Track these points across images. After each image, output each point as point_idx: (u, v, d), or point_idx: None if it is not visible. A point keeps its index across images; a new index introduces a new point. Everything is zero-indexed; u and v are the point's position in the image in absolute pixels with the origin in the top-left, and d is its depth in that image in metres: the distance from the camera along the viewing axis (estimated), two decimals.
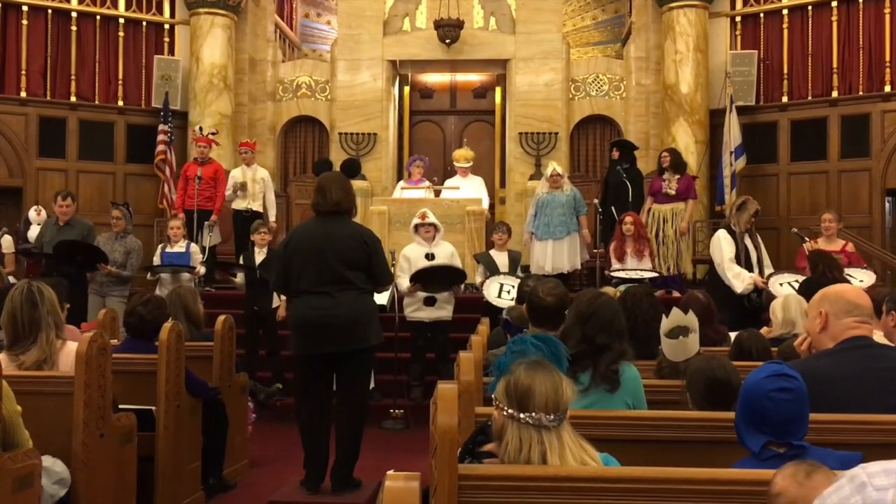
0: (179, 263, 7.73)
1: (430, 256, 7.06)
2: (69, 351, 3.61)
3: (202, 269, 7.95)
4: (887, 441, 2.52)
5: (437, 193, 9.54)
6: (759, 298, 6.68)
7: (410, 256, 7.09)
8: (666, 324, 3.46)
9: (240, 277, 7.65)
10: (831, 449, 2.27)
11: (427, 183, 9.70)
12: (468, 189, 9.66)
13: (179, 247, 7.87)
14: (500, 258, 7.49)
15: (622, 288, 6.51)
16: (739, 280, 6.63)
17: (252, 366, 7.19)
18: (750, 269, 6.77)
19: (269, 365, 7.36)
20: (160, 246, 8.15)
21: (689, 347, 3.38)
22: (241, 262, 7.73)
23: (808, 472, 1.75)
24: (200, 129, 9.87)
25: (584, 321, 3.13)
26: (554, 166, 8.89)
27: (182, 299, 5.17)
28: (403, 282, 6.97)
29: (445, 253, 7.15)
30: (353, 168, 4.34)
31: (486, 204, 9.76)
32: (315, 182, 4.96)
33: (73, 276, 7.11)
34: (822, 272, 6.01)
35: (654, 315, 3.95)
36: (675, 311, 3.48)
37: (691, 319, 3.44)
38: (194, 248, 7.98)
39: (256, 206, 9.16)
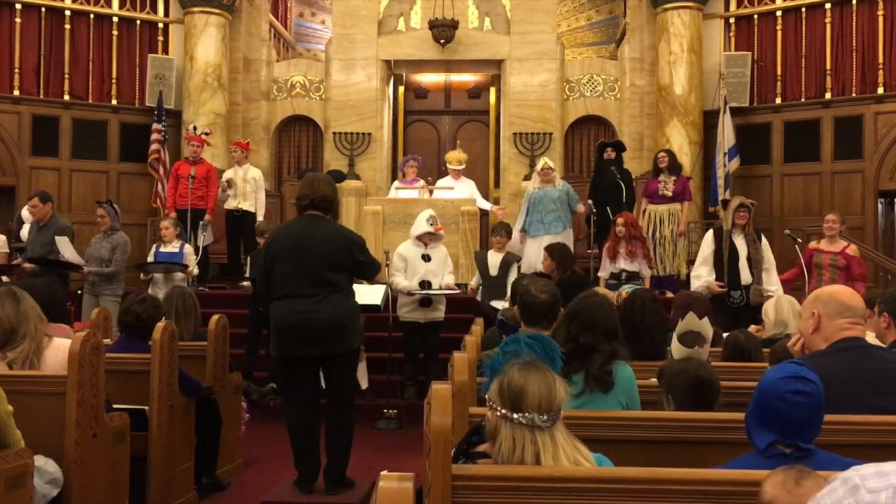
0: (172, 262, 7.70)
1: (426, 258, 7.05)
2: (56, 346, 3.61)
3: (196, 270, 7.90)
4: (882, 442, 2.53)
5: (432, 193, 9.53)
6: (745, 297, 6.79)
7: (407, 256, 7.06)
8: (681, 326, 3.44)
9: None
10: (837, 454, 2.27)
11: (421, 182, 9.69)
12: (460, 191, 9.65)
13: (173, 247, 7.83)
14: (494, 259, 7.48)
15: (627, 288, 6.56)
16: (697, 281, 6.88)
17: (250, 365, 7.19)
18: (733, 267, 6.87)
19: (265, 365, 7.34)
20: (154, 245, 8.12)
21: (701, 356, 3.36)
22: (248, 263, 7.73)
23: (797, 479, 1.74)
24: (194, 128, 9.84)
25: (570, 320, 3.12)
26: (546, 160, 8.88)
27: (187, 299, 5.18)
28: (399, 280, 6.94)
29: (440, 255, 7.14)
30: (337, 177, 4.41)
31: (486, 205, 9.79)
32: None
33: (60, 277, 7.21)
34: (569, 269, 6.53)
35: (656, 320, 3.90)
36: (692, 316, 3.46)
37: (706, 328, 3.43)
38: (188, 248, 7.94)
39: (248, 206, 9.14)
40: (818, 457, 2.19)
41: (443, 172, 11.04)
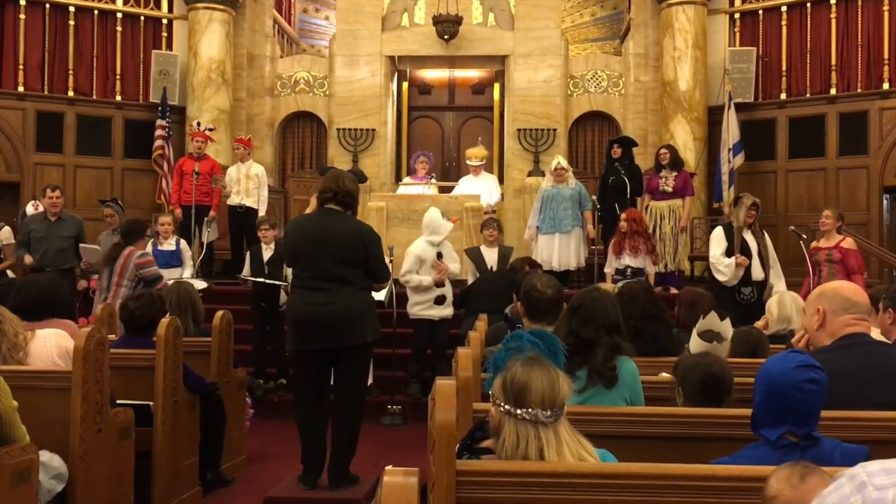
0: (171, 263, 7.69)
1: (438, 256, 7.03)
2: (42, 336, 3.63)
3: (186, 270, 7.77)
4: (888, 438, 2.53)
5: (442, 190, 9.52)
6: (754, 293, 6.74)
7: (425, 258, 6.96)
8: (702, 325, 3.46)
9: (246, 269, 7.56)
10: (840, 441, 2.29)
11: (429, 178, 9.69)
12: (476, 187, 9.59)
13: (169, 244, 7.81)
14: (490, 254, 7.47)
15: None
16: (721, 273, 6.76)
17: (260, 361, 7.20)
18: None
19: (273, 361, 7.35)
20: (150, 243, 8.11)
21: (718, 352, 3.37)
22: (247, 259, 7.70)
23: (802, 475, 1.74)
24: (198, 124, 9.86)
25: (570, 315, 3.12)
26: (559, 160, 8.88)
27: (182, 295, 5.17)
28: (414, 277, 6.91)
29: (450, 251, 7.14)
30: (360, 177, 4.46)
31: (492, 200, 9.69)
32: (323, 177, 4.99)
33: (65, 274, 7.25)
34: None
35: (651, 311, 3.91)
36: (713, 316, 3.48)
37: (727, 329, 3.44)
38: (184, 244, 7.92)
39: (250, 203, 9.15)
40: (823, 443, 2.22)
41: (446, 169, 11.05)
